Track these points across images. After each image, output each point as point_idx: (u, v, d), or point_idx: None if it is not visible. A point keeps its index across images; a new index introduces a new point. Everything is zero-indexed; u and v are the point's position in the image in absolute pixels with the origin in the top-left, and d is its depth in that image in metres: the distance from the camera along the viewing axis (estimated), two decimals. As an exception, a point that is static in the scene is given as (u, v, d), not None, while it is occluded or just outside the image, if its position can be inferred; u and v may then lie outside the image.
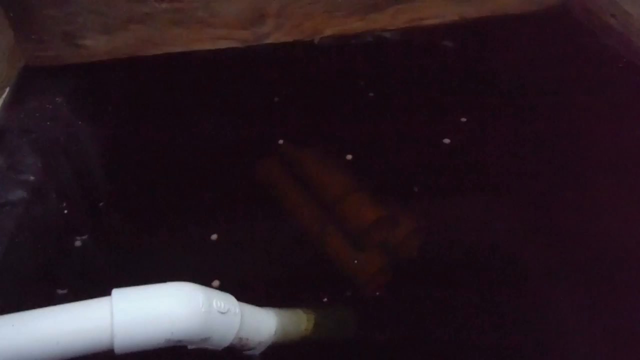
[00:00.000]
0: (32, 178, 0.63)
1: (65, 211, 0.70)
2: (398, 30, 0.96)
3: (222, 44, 0.90)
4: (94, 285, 0.65)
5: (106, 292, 0.44)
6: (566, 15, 0.96)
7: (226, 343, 0.49)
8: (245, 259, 0.72)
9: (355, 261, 0.71)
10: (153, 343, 0.42)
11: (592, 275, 0.64)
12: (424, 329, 0.66)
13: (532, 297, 0.67)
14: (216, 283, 0.62)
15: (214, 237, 0.74)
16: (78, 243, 0.69)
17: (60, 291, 0.61)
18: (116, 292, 0.43)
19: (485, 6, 0.96)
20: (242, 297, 0.51)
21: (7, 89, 0.76)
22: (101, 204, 0.75)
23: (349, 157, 0.82)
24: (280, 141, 0.83)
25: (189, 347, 0.46)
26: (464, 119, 0.86)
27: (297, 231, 0.76)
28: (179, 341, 0.44)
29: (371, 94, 0.92)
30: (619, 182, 0.74)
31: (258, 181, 0.81)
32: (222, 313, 0.47)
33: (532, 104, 0.88)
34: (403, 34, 0.96)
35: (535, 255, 0.71)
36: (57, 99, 0.78)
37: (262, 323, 0.55)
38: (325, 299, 0.67)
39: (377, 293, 0.69)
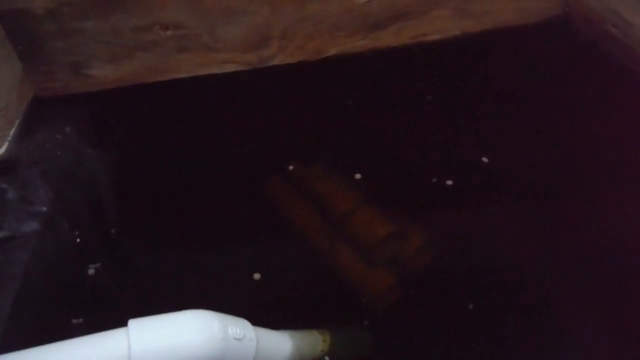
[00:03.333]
0: (44, 209, 0.63)
1: (78, 240, 0.70)
2: (401, 47, 0.96)
3: (228, 68, 0.91)
4: (108, 312, 0.66)
5: (121, 320, 0.44)
6: (568, 26, 0.96)
7: (243, 369, 0.49)
8: (256, 280, 0.72)
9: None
10: (171, 372, 0.42)
11: (614, 297, 0.64)
12: (439, 345, 0.66)
13: (546, 313, 0.66)
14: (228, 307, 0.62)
15: (226, 259, 0.74)
16: (91, 271, 0.70)
17: (75, 320, 0.62)
18: (132, 323, 0.43)
19: (486, 20, 0.97)
20: (254, 317, 0.51)
21: (17, 121, 0.77)
22: (113, 230, 0.76)
23: (358, 176, 0.82)
24: (291, 167, 0.83)
25: (207, 375, 0.46)
26: (469, 134, 0.87)
27: (307, 249, 0.76)
28: (197, 369, 0.44)
29: (376, 111, 0.93)
30: (628, 192, 0.74)
31: (267, 200, 0.81)
32: (238, 339, 0.47)
33: (537, 114, 0.88)
34: (405, 51, 0.97)
35: (546, 267, 0.70)
36: (66, 128, 0.79)
37: (278, 347, 0.55)
38: (366, 323, 0.67)
39: (389, 308, 0.69)
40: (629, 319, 0.62)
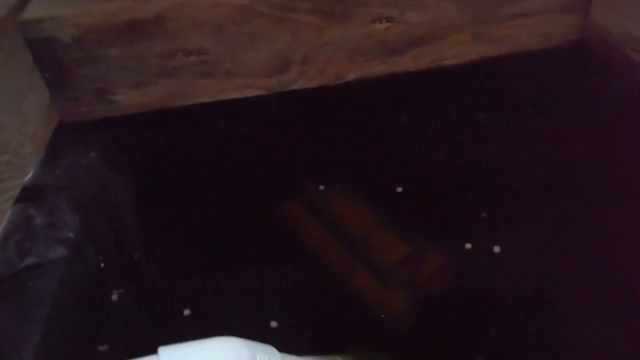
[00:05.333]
0: (71, 235, 0.64)
1: (102, 265, 0.71)
2: (419, 71, 0.97)
3: (249, 93, 0.92)
4: (132, 339, 0.66)
5: (144, 345, 0.44)
6: (587, 50, 0.97)
7: (270, 397, 0.49)
8: (275, 304, 0.72)
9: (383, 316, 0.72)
10: (201, 402, 0.42)
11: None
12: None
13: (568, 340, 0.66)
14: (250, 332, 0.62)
15: (247, 283, 0.74)
16: (115, 297, 0.70)
17: (101, 347, 0.62)
18: (163, 350, 0.43)
19: (505, 44, 0.97)
20: (275, 342, 0.51)
21: (44, 147, 0.79)
22: (135, 256, 0.76)
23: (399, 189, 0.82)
24: (321, 187, 0.84)
25: (235, 403, 0.46)
26: (485, 156, 0.87)
27: (325, 272, 0.76)
28: (226, 398, 0.44)
29: (394, 134, 0.93)
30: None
31: (283, 223, 0.82)
32: (266, 367, 0.47)
33: (554, 137, 0.88)
34: (424, 75, 0.98)
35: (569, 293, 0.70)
36: (91, 153, 0.80)
37: (304, 374, 0.54)
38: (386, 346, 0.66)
39: (408, 331, 0.69)
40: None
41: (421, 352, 0.67)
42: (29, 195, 0.69)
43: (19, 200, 0.68)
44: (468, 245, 0.76)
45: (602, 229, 0.74)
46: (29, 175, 0.73)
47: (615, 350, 0.63)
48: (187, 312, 0.70)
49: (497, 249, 0.75)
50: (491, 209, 0.80)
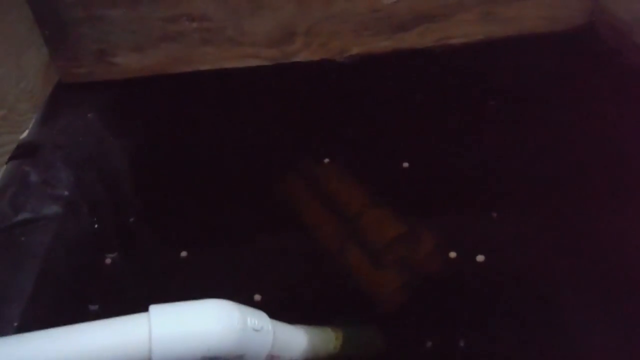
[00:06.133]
0: (65, 193, 0.64)
1: (96, 226, 0.70)
2: (425, 49, 0.96)
3: (251, 62, 0.91)
4: (123, 301, 0.66)
5: (136, 309, 0.44)
6: (594, 35, 0.96)
7: (259, 360, 0.49)
8: (267, 276, 0.72)
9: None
10: (190, 359, 0.42)
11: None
12: (448, 347, 0.66)
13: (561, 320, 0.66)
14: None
15: (240, 252, 0.74)
16: (108, 260, 0.70)
17: (92, 307, 0.62)
18: (154, 308, 0.43)
19: (511, 26, 0.96)
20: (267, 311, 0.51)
21: (41, 105, 0.78)
22: (131, 219, 0.76)
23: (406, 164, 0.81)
24: (326, 160, 0.84)
25: (224, 364, 0.46)
26: (485, 138, 0.86)
27: (317, 247, 0.76)
28: (215, 358, 0.44)
29: (395, 111, 0.93)
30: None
31: (279, 195, 0.81)
32: (256, 331, 0.47)
33: (556, 122, 0.87)
34: (429, 53, 0.97)
35: (563, 277, 0.70)
36: (89, 114, 0.79)
37: (293, 341, 0.55)
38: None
39: (399, 309, 0.69)
40: None
41: (406, 328, 0.68)
42: (25, 151, 0.68)
43: (14, 156, 0.67)
44: (467, 225, 0.76)
45: (603, 220, 0.74)
46: (26, 132, 0.72)
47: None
48: (179, 277, 0.70)
49: (496, 217, 0.75)
50: (492, 191, 0.80)
